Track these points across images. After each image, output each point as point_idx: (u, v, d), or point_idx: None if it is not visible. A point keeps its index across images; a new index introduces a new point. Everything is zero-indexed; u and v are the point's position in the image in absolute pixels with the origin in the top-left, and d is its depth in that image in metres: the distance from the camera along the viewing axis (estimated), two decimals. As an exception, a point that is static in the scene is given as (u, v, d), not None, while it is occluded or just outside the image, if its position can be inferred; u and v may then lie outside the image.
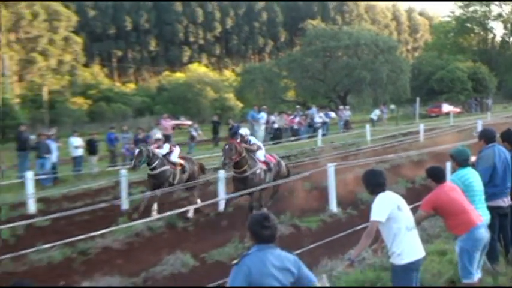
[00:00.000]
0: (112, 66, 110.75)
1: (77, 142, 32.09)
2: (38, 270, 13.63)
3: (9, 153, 30.82)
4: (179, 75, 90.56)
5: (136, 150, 19.65)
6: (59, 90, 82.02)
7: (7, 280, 10.11)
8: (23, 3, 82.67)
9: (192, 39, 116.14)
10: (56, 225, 18.05)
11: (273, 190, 19.89)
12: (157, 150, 19.93)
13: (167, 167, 19.80)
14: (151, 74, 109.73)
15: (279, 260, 6.15)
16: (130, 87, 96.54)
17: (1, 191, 24.87)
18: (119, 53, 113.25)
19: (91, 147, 32.91)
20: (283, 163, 20.67)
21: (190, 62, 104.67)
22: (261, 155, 18.92)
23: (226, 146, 17.65)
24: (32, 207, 21.58)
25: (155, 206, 18.77)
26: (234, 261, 6.23)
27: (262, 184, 18.32)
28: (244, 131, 19.95)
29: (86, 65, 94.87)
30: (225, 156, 17.38)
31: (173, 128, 41.84)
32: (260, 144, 19.75)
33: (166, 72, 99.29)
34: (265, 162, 18.88)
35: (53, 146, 30.07)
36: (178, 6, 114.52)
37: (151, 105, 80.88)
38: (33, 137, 30.60)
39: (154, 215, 18.03)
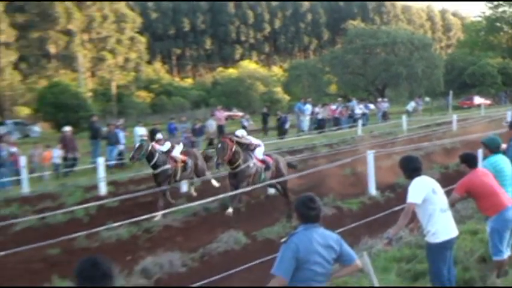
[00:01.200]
0: (172, 63, 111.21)
1: (141, 131, 32.23)
2: (108, 246, 13.77)
3: (83, 142, 31.01)
4: (232, 71, 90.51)
5: (137, 144, 18.78)
6: (126, 85, 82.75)
7: (82, 255, 10.19)
8: (94, 7, 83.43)
9: (243, 38, 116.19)
10: (124, 206, 18.18)
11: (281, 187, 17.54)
12: (157, 147, 18.85)
13: (168, 166, 18.64)
14: (207, 70, 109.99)
15: (323, 238, 6.12)
16: (188, 82, 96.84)
17: (77, 175, 25.14)
18: (178, 51, 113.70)
19: (153, 136, 33.08)
20: (281, 160, 18.11)
21: (242, 59, 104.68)
22: (259, 153, 17.24)
23: (219, 145, 16.18)
24: (103, 189, 21.84)
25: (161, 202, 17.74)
26: (283, 240, 6.22)
27: (254, 178, 16.57)
28: (240, 132, 17.72)
29: (149, 62, 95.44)
30: (217, 157, 16.08)
31: (226, 119, 41.83)
32: (259, 142, 17.78)
33: (220, 69, 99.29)
34: (263, 161, 17.04)
35: (121, 135, 30.44)
36: (231, 8, 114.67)
37: (207, 98, 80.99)
38: (104, 129, 30.79)
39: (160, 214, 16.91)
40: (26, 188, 23.21)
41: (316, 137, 37.44)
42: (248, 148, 16.99)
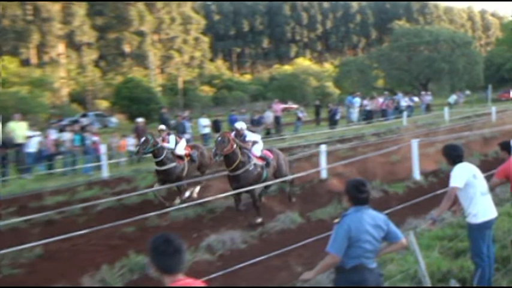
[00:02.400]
0: (232, 61, 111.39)
1: (205, 122, 32.57)
2: (177, 224, 13.94)
3: (153, 131, 31.24)
4: (287, 68, 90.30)
5: (143, 138, 16.68)
6: (191, 80, 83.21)
7: (154, 232, 10.31)
8: (163, 10, 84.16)
9: (297, 37, 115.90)
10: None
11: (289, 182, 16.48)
12: (166, 145, 16.88)
13: (174, 163, 16.90)
14: (264, 67, 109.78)
15: (372, 218, 6.14)
16: (247, 77, 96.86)
17: (148, 161, 25.33)
18: (238, 50, 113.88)
19: (216, 126, 33.37)
20: (282, 157, 16.42)
21: (296, 56, 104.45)
22: (257, 150, 15.23)
23: (219, 138, 14.21)
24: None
25: (177, 200, 16.50)
26: (336, 220, 6.21)
27: (257, 180, 14.70)
28: (240, 124, 15.84)
29: (211, 60, 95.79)
30: (216, 148, 14.05)
31: (282, 111, 41.77)
32: (257, 138, 15.76)
33: (276, 65, 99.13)
34: (262, 158, 15.20)
35: (187, 125, 30.64)
36: (287, 10, 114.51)
37: (264, 92, 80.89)
38: (172, 121, 30.98)
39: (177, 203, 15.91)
40: (105, 173, 23.53)
41: (365, 127, 37.23)
42: (246, 149, 14.88)
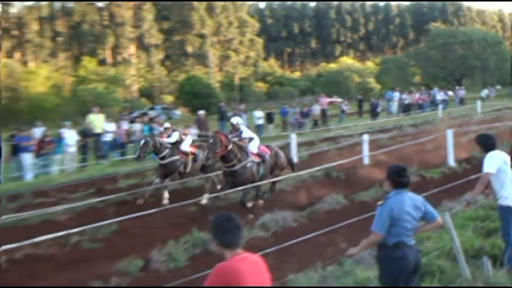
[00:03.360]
0: (283, 60, 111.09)
1: (259, 114, 32.61)
2: (233, 205, 13.80)
3: (213, 122, 31.35)
4: (332, 66, 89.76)
5: (142, 141, 15.42)
6: (246, 77, 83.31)
7: (214, 212, 10.33)
8: (222, 15, 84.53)
9: (342, 38, 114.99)
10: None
11: (271, 183, 14.92)
12: (165, 140, 15.73)
13: (177, 157, 15.73)
14: (312, 65, 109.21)
15: (411, 200, 6.17)
16: (297, 74, 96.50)
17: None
18: (289, 50, 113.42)
19: (269, 118, 33.40)
20: (282, 154, 15.24)
21: (341, 55, 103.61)
22: (253, 146, 14.09)
23: (211, 140, 12.99)
24: (228, 160, 22.04)
25: (166, 194, 15.13)
26: (379, 203, 6.23)
27: (254, 177, 13.64)
28: (236, 119, 14.91)
29: (265, 59, 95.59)
30: (208, 151, 13.05)
31: (328, 104, 41.59)
32: (253, 135, 14.64)
33: (323, 64, 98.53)
34: (258, 154, 14.03)
35: (243, 116, 30.74)
36: (333, 14, 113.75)
37: (312, 88, 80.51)
38: (230, 113, 31.06)
39: (165, 203, 14.58)
40: (170, 159, 23.77)
41: (403, 118, 36.95)
42: (244, 146, 13.81)
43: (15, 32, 71.07)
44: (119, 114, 32.97)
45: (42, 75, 58.84)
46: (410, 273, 6.11)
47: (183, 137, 16.01)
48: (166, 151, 15.44)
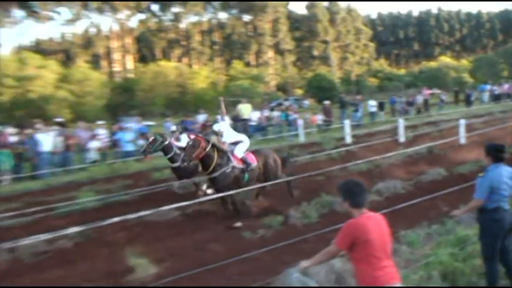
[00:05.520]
0: (391, 60, 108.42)
1: (372, 103, 32.04)
2: (353, 175, 13.50)
3: (335, 111, 31.00)
4: (432, 63, 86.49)
5: (151, 138, 12.71)
6: (361, 74, 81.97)
7: (339, 179, 10.28)
8: (341, 25, 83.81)
9: (440, 41, 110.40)
10: (361, 150, 17.80)
11: (260, 189, 11.58)
12: (175, 144, 12.89)
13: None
14: (415, 64, 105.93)
15: (508, 172, 6.02)
16: (402, 71, 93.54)
17: (331, 131, 25.33)
18: (395, 52, 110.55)
19: (381, 106, 32.69)
20: (273, 163, 11.52)
21: (439, 55, 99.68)
22: (239, 150, 11.08)
23: (190, 143, 10.53)
24: (348, 139, 21.81)
25: (204, 187, 12.64)
26: (481, 174, 6.05)
27: (237, 183, 10.79)
28: (217, 126, 11.53)
29: (376, 59, 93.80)
30: (185, 153, 10.55)
31: (429, 95, 40.19)
32: (241, 138, 11.50)
33: (424, 62, 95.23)
34: (242, 160, 11.01)
35: (361, 104, 30.54)
36: (432, 21, 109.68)
37: (415, 82, 77.52)
38: (327, 102, 30.59)
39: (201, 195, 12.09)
40: (302, 138, 23.83)
41: (494, 106, 35.01)
42: (224, 151, 10.89)
43: (183, 42, 73.80)
44: (261, 104, 33.41)
45: (203, 75, 60.80)
46: (506, 232, 5.95)
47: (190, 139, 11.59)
48: (174, 153, 12.57)
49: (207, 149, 10.43)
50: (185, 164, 10.64)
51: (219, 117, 12.64)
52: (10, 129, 20.90)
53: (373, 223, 4.35)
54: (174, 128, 15.05)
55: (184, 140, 12.73)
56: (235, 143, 11.20)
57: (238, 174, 10.82)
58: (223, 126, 11.52)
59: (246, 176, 10.97)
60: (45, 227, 9.74)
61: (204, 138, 10.70)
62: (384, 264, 4.29)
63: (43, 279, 8.00)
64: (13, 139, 18.64)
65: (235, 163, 10.79)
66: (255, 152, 11.53)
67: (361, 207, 4.39)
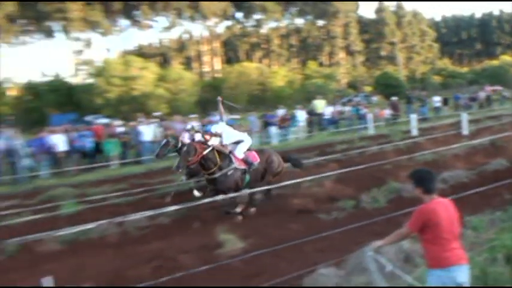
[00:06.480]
0: (454, 59, 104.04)
1: (437, 99, 31.15)
2: (418, 164, 13.08)
3: (401, 105, 30.09)
4: (494, 62, 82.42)
5: (163, 141, 11.08)
6: (425, 72, 79.55)
7: (403, 169, 10.03)
8: (408, 27, 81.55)
9: (502, 41, 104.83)
10: (427, 141, 17.31)
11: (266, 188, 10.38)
12: (186, 141, 10.80)
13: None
14: (477, 62, 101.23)
15: None
16: (465, 69, 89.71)
17: (398, 124, 24.71)
18: (458, 51, 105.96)
19: (445, 102, 31.60)
20: (276, 159, 10.46)
21: (501, 54, 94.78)
22: (240, 151, 9.91)
23: (185, 148, 9.50)
24: (414, 132, 21.20)
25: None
26: None
27: (237, 185, 9.72)
28: (215, 128, 10.09)
29: (440, 59, 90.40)
30: (179, 160, 9.36)
31: (491, 91, 38.34)
32: (242, 137, 10.21)
33: (486, 61, 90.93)
34: (245, 161, 9.90)
35: (426, 100, 29.78)
36: (494, 22, 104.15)
37: (477, 79, 74.01)
38: (394, 98, 29.60)
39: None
40: (371, 131, 23.41)
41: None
42: (226, 153, 9.79)
43: (264, 46, 74.23)
44: (333, 100, 33.13)
45: (281, 74, 60.88)
46: None
47: (207, 137, 10.06)
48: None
49: (206, 153, 9.44)
50: (180, 170, 9.57)
51: (217, 118, 11.44)
52: (117, 122, 22.08)
53: (443, 208, 4.26)
54: (189, 126, 13.02)
55: (197, 139, 10.62)
56: (237, 143, 10.07)
57: (239, 176, 9.74)
58: (222, 127, 10.20)
59: (247, 177, 9.90)
60: (147, 205, 10.12)
61: (200, 143, 9.70)
62: (452, 246, 4.21)
63: (146, 250, 8.31)
64: (120, 130, 19.55)
65: (237, 164, 9.74)
66: (258, 152, 10.41)
67: (432, 193, 4.29)
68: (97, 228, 8.97)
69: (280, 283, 6.00)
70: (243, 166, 9.81)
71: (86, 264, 7.80)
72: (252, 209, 10.11)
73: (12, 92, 51.57)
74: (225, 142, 9.88)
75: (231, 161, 9.70)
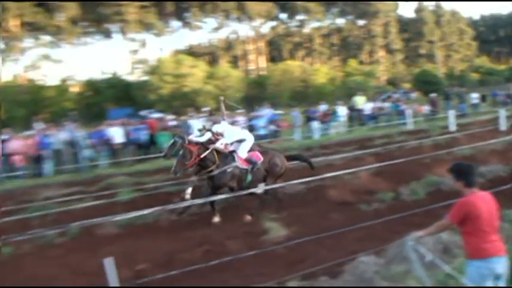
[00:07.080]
0: (492, 57, 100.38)
1: (475, 96, 30.22)
2: (457, 158, 12.48)
3: (440, 102, 29.29)
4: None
5: (171, 141, 9.48)
6: (464, 70, 77.34)
7: (440, 162, 9.77)
8: (446, 27, 79.27)
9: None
10: (465, 136, 16.79)
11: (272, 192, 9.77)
12: (195, 139, 9.52)
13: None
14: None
15: None
16: (502, 67, 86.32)
17: (437, 120, 24.11)
18: (496, 49, 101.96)
19: (483, 98, 30.61)
20: (279, 161, 9.77)
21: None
22: (243, 150, 9.41)
23: (181, 151, 8.88)
24: (452, 128, 20.62)
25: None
26: None
27: (233, 182, 9.29)
28: (216, 128, 9.61)
29: (478, 56, 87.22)
30: (176, 164, 8.87)
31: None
32: (245, 136, 9.70)
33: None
34: (247, 160, 9.40)
35: (464, 96, 29.11)
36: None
37: (513, 77, 71.95)
38: (434, 94, 28.75)
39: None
40: (409, 126, 22.92)
41: None
42: (227, 153, 9.37)
43: (307, 45, 73.75)
44: (373, 96, 32.59)
45: (323, 72, 60.51)
46: None
47: (217, 136, 9.54)
48: None
49: (204, 155, 9.06)
50: (177, 175, 9.24)
51: (217, 118, 10.82)
52: (169, 116, 22.48)
53: (483, 201, 4.17)
54: (201, 126, 12.71)
55: (206, 136, 9.73)
56: (239, 141, 9.55)
57: (239, 174, 9.29)
58: (224, 127, 9.71)
59: (249, 177, 9.37)
60: (197, 194, 10.25)
61: (198, 145, 9.17)
62: (491, 238, 4.12)
63: (196, 235, 8.43)
64: (172, 123, 19.85)
65: (239, 163, 9.29)
66: (262, 152, 9.76)
67: (473, 186, 4.20)
68: (151, 214, 9.16)
69: (322, 270, 5.97)
70: (245, 166, 9.36)
71: (142, 246, 7.98)
72: (248, 217, 9.34)
73: (74, 89, 53.27)
74: (226, 141, 9.45)
75: (233, 160, 9.28)
